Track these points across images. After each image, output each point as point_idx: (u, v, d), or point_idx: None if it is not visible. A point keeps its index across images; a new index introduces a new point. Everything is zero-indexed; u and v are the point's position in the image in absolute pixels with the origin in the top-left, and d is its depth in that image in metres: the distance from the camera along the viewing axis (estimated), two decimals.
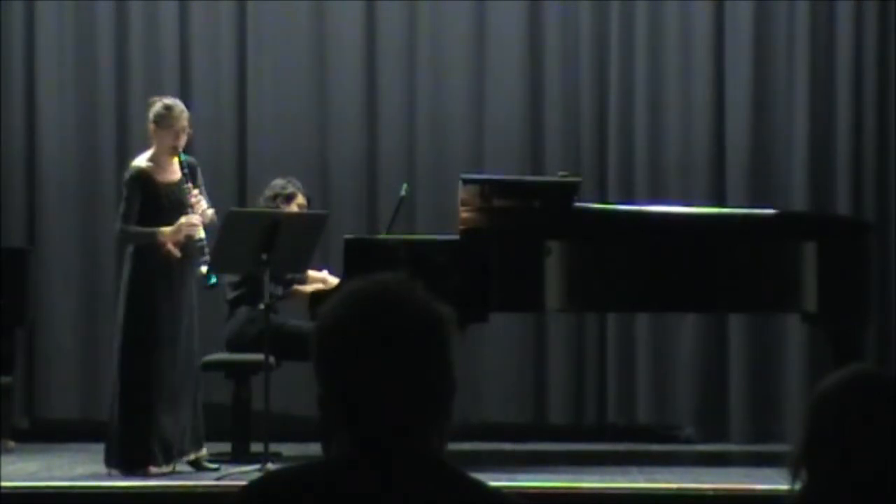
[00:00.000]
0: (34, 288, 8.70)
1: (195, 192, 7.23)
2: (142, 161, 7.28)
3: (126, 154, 9.16)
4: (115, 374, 7.21)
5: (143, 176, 7.21)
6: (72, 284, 9.15)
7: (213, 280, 7.19)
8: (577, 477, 7.15)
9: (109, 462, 7.15)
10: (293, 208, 7.89)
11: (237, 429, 7.70)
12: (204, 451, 7.30)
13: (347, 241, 7.57)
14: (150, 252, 7.17)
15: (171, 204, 7.22)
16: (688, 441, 8.97)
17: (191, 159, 7.34)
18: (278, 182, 8.05)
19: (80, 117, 9.23)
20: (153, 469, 7.08)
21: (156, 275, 7.16)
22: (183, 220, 7.15)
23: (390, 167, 9.16)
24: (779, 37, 9.13)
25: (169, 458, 7.14)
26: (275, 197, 7.96)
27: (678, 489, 6.83)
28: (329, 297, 2.23)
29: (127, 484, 6.94)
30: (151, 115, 7.28)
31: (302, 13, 9.27)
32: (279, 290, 7.87)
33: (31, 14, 9.26)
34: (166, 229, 7.15)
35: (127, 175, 7.27)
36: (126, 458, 7.11)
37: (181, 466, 7.18)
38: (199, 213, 7.17)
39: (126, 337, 7.16)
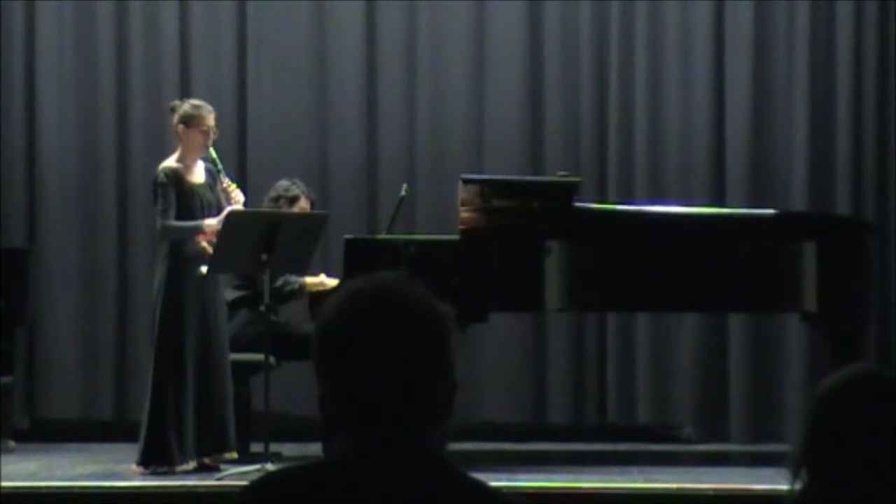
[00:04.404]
0: (34, 288, 8.70)
1: (227, 180, 7.28)
2: (171, 162, 7.29)
3: (126, 154, 9.20)
4: (149, 375, 7.22)
5: (175, 176, 7.22)
6: (72, 284, 9.15)
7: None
8: (577, 477, 7.15)
9: (140, 460, 7.16)
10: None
11: (237, 429, 7.70)
12: (234, 454, 7.29)
13: (347, 241, 7.58)
14: (182, 254, 7.18)
15: (202, 204, 7.24)
16: (688, 441, 8.97)
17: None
18: (282, 184, 8.04)
19: (80, 117, 9.24)
20: (180, 468, 7.10)
21: (188, 275, 7.17)
22: (230, 209, 7.17)
23: (390, 167, 9.16)
24: (779, 37, 9.13)
25: (194, 456, 7.15)
26: (277, 199, 7.96)
27: (678, 489, 6.83)
28: (329, 296, 2.23)
29: (127, 484, 6.94)
30: (179, 115, 7.27)
31: (302, 13, 9.27)
32: (285, 287, 7.89)
33: (31, 14, 9.27)
34: (211, 221, 7.17)
35: (159, 176, 7.23)
36: (154, 457, 7.12)
37: (186, 466, 7.19)
38: (236, 201, 7.21)
39: (160, 338, 7.17)
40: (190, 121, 7.26)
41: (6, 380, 8.39)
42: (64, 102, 9.24)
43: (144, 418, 7.22)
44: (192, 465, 7.16)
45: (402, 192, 8.00)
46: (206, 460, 7.21)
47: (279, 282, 7.75)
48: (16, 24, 9.25)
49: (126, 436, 8.02)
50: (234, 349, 7.77)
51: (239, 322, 7.86)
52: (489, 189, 7.56)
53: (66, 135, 9.22)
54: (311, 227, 7.47)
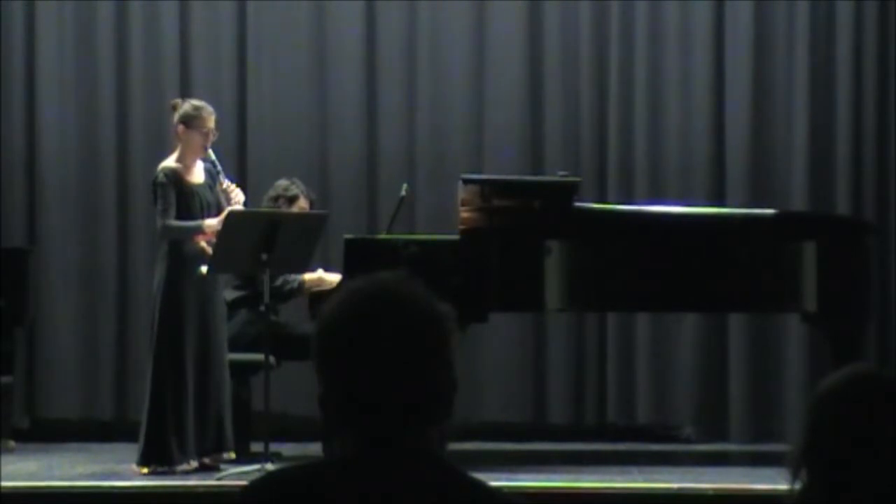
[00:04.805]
0: (34, 288, 8.70)
1: (227, 182, 7.28)
2: (170, 162, 7.28)
3: (126, 154, 9.20)
4: (148, 375, 7.23)
5: (175, 176, 7.22)
6: (72, 284, 9.15)
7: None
8: (577, 477, 7.16)
9: (140, 460, 7.17)
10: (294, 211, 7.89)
11: (237, 429, 7.70)
12: (231, 454, 7.30)
13: (347, 241, 7.58)
14: (181, 254, 7.18)
15: (201, 204, 7.24)
16: (688, 441, 8.97)
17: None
18: (282, 183, 8.04)
19: (80, 117, 9.23)
20: (180, 468, 7.10)
21: (187, 275, 7.17)
22: (230, 209, 7.17)
23: (390, 167, 9.16)
24: (779, 37, 9.13)
25: (195, 456, 7.16)
26: (277, 198, 7.96)
27: (678, 489, 6.83)
28: (329, 296, 2.23)
29: (127, 484, 6.94)
30: (179, 115, 7.26)
31: (302, 13, 9.27)
32: (287, 287, 7.88)
33: (31, 14, 9.26)
34: (212, 221, 7.17)
35: (158, 176, 7.22)
36: (154, 458, 7.13)
37: (186, 466, 7.19)
38: (236, 201, 7.21)
39: (159, 338, 7.17)
40: (190, 122, 7.26)
41: (6, 380, 8.39)
42: (64, 102, 9.23)
43: (144, 418, 7.22)
44: (192, 465, 7.16)
45: (402, 192, 8.00)
46: (206, 460, 7.21)
47: (278, 281, 7.75)
48: (16, 24, 9.25)
49: (126, 436, 8.02)
50: (234, 349, 7.77)
51: (239, 322, 7.86)
52: (489, 189, 7.57)
53: (66, 135, 9.22)
54: (310, 226, 7.47)
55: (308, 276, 7.89)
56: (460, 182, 7.63)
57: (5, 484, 6.71)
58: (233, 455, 7.29)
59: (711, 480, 7.01)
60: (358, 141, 9.21)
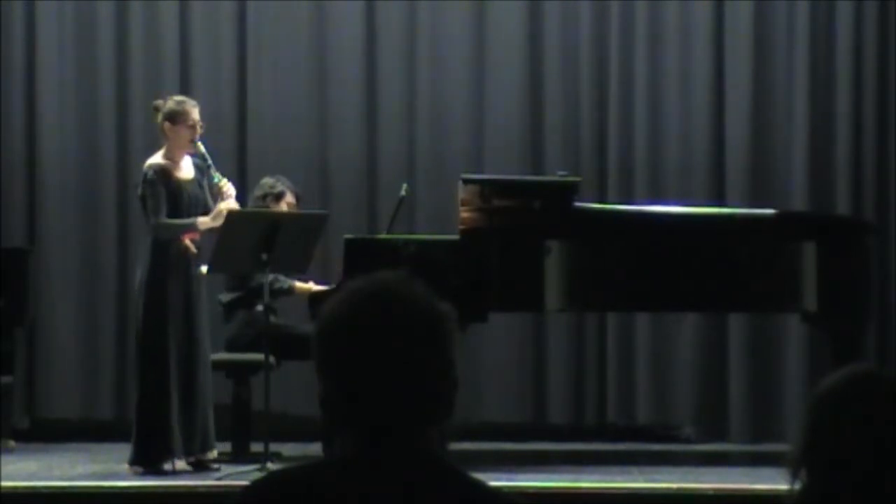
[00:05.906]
0: (34, 288, 8.70)
1: (217, 175, 7.27)
2: (157, 159, 7.28)
3: (126, 154, 9.20)
4: (136, 374, 7.23)
5: (163, 172, 7.22)
6: (72, 284, 9.15)
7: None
8: (577, 477, 7.16)
9: (130, 459, 7.17)
10: (282, 207, 7.89)
11: (237, 429, 7.71)
12: (214, 453, 7.30)
13: (347, 241, 7.58)
14: (165, 251, 7.18)
15: (190, 201, 7.23)
16: (688, 441, 8.97)
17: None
18: (267, 181, 8.06)
19: (80, 117, 9.23)
20: (167, 467, 7.10)
21: (171, 273, 7.17)
22: (222, 205, 7.17)
23: (390, 167, 9.16)
24: (779, 37, 9.13)
25: (181, 454, 7.15)
26: (264, 196, 7.97)
27: (678, 489, 6.83)
28: (329, 296, 2.23)
29: (126, 484, 6.94)
30: (163, 114, 7.27)
31: (302, 13, 9.27)
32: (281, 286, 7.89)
33: (31, 14, 9.27)
34: (205, 218, 7.17)
35: (148, 173, 7.22)
36: (142, 457, 7.13)
37: (182, 465, 7.18)
38: (228, 195, 7.20)
39: (144, 337, 7.16)
40: (175, 117, 7.26)
41: (6, 380, 8.39)
42: (64, 102, 9.23)
43: (134, 417, 7.22)
44: (181, 462, 7.14)
45: (402, 192, 8.00)
46: (197, 458, 7.19)
47: (269, 277, 7.75)
48: (16, 24, 9.25)
49: (126, 436, 7.98)
50: (234, 349, 7.78)
51: (238, 322, 7.86)
52: (489, 189, 7.57)
53: (66, 135, 9.22)
54: (310, 226, 7.48)
55: (299, 284, 7.92)
56: (460, 182, 7.63)
57: (5, 484, 6.71)
58: (215, 454, 7.28)
59: (711, 480, 7.01)
60: (358, 141, 9.21)
